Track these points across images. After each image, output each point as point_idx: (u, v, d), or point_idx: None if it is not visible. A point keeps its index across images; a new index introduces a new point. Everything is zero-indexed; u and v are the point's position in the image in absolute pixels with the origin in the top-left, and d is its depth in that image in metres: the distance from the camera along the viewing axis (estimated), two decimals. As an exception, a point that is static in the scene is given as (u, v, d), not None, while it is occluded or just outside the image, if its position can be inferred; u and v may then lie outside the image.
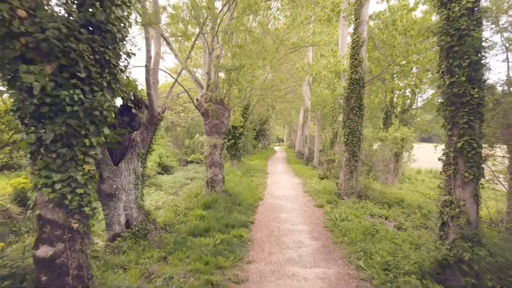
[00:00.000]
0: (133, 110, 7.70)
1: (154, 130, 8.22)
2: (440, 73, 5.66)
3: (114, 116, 4.32)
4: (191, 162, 30.93)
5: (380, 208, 11.21)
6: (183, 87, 10.29)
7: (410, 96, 21.67)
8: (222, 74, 11.86)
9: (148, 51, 7.53)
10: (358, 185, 12.69)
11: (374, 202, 11.91)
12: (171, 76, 9.25)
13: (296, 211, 10.53)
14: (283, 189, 14.99)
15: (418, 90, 20.49)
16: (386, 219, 10.12)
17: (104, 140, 3.87)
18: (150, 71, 7.60)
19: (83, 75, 3.48)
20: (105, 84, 3.73)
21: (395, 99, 22.35)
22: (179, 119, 29.69)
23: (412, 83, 16.60)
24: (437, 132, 25.41)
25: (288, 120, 52.46)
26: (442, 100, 5.61)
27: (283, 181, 17.92)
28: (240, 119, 13.44)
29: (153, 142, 8.31)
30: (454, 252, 5.10)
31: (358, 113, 12.91)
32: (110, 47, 3.71)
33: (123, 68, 4.08)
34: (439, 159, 5.88)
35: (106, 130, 3.88)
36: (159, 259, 6.37)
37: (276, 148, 67.09)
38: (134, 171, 7.93)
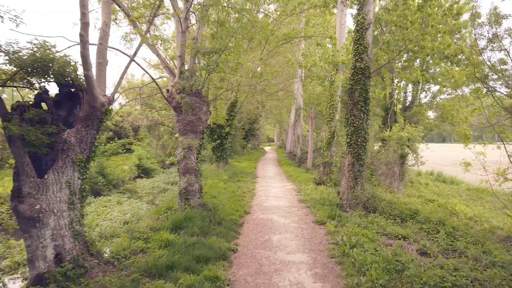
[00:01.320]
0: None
1: (97, 127, 5.96)
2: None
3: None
4: (173, 164, 28.67)
5: (392, 224, 9.15)
6: (146, 71, 8.01)
7: (413, 90, 19.77)
8: (201, 61, 9.65)
9: (83, 14, 5.26)
10: (364, 195, 10.62)
11: (384, 216, 9.86)
12: (124, 54, 7.01)
13: (291, 231, 8.35)
14: (275, 198, 12.82)
15: (421, 83, 18.58)
16: (404, 239, 8.05)
17: None
18: (88, 44, 5.34)
19: None
20: None
21: (395, 95, 20.46)
22: (160, 117, 27.35)
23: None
24: (438, 131, 23.53)
25: (279, 120, 50.60)
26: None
27: (274, 187, 15.76)
28: (223, 116, 11.22)
29: (96, 143, 6.03)
30: None
31: (363, 108, 10.83)
32: None
33: None
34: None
35: None
36: (84, 327, 4.13)
37: (267, 148, 65.23)
38: (68, 184, 5.66)
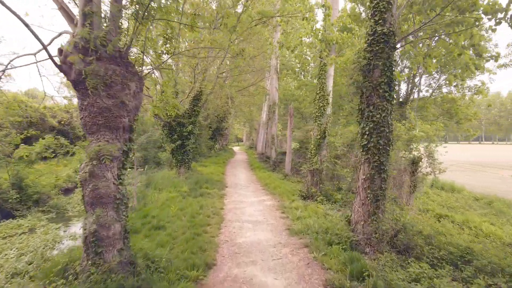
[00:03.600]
0: None
1: None
2: None
3: None
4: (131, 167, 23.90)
5: (448, 277, 5.57)
6: (13, 11, 3.76)
7: (409, 79, 16.67)
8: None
9: None
10: (391, 226, 6.96)
11: (426, 261, 6.27)
12: None
13: (293, 313, 4.47)
14: (252, 224, 8.87)
15: (426, 68, 15.50)
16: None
17: None
18: None
19: None
20: None
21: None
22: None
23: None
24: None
25: (249, 118, 46.66)
26: None
27: (249, 203, 11.79)
28: (175, 104, 7.04)
29: None
30: None
31: (387, 94, 7.21)
32: None
33: None
34: None
35: None
36: None
37: (236, 148, 61.21)
38: None
